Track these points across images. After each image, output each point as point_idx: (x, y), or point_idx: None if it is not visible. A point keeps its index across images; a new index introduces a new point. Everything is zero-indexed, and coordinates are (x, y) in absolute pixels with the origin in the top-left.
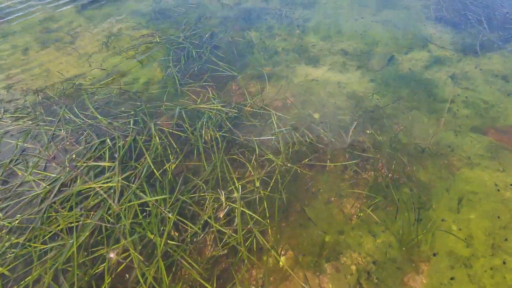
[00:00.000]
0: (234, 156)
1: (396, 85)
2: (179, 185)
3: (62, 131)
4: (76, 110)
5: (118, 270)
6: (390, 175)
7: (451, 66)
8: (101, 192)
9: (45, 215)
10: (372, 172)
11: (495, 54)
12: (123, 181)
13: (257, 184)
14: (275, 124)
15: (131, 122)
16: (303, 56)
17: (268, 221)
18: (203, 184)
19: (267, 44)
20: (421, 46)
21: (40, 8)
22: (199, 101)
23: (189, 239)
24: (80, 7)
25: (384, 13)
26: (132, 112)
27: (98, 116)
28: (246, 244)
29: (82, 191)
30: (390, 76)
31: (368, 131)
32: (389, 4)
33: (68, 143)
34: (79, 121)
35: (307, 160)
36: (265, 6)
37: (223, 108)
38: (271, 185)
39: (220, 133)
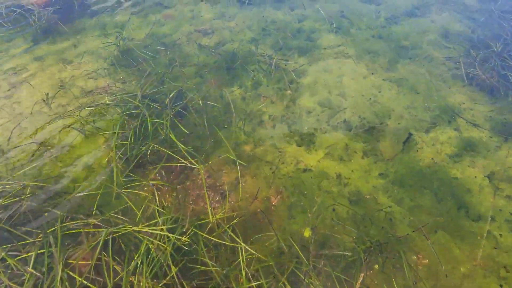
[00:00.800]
0: None
1: (413, 186)
2: None
3: None
4: None
5: None
6: None
7: (487, 157)
8: None
9: None
10: None
11: None
12: None
13: None
14: (243, 273)
15: (32, 259)
16: (295, 130)
17: None
18: None
19: (250, 109)
20: (447, 120)
21: None
22: (139, 215)
23: None
24: (32, 42)
25: (400, 66)
26: (40, 238)
27: None
28: None
29: None
30: (406, 170)
31: (376, 268)
32: (406, 53)
33: None
34: None
35: None
36: (253, 51)
37: (170, 235)
38: None
39: (159, 286)
